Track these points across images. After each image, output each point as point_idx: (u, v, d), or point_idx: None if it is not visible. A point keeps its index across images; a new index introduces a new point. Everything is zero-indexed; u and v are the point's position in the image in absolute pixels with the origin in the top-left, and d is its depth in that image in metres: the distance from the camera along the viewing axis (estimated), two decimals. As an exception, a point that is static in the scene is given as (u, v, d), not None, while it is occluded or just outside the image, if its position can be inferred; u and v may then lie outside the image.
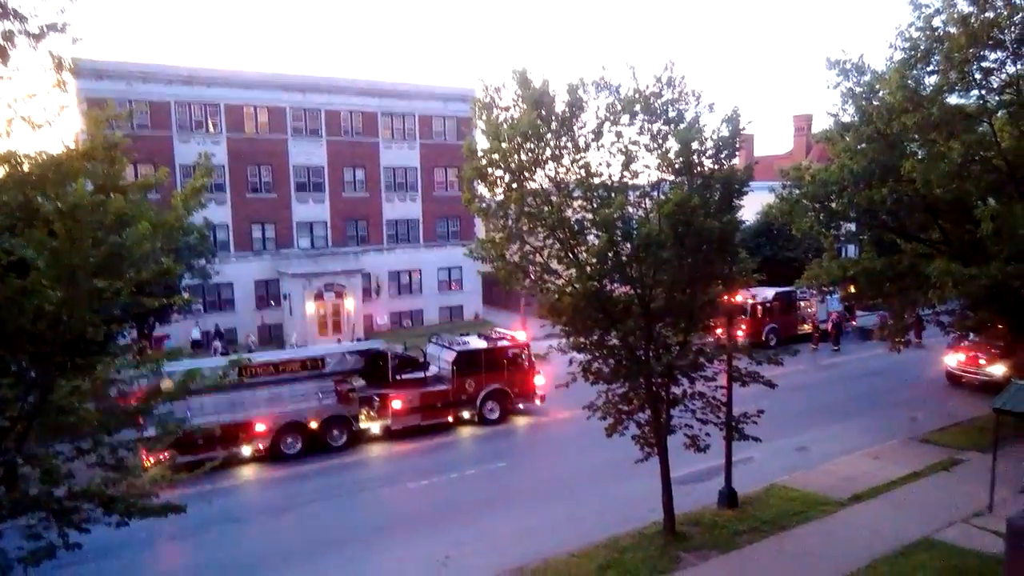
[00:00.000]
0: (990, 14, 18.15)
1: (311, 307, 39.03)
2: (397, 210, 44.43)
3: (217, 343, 34.88)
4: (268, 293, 40.76)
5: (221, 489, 18.86)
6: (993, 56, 18.76)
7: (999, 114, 19.86)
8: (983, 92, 19.31)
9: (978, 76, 18.97)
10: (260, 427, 20.86)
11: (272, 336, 39.79)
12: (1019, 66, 18.69)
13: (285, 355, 24.07)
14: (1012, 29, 18.09)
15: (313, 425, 21.57)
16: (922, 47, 19.35)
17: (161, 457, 14.96)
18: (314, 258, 40.30)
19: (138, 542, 14.90)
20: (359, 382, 23.11)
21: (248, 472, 20.50)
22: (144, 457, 15.02)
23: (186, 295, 18.51)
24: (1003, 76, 19.12)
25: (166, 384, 11.19)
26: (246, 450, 20.76)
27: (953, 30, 18.51)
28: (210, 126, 38.89)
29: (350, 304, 40.09)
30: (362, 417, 22.60)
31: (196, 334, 36.44)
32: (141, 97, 36.30)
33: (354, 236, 43.21)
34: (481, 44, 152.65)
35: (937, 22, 19.07)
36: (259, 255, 40.47)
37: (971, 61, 18.48)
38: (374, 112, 43.03)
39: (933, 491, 17.13)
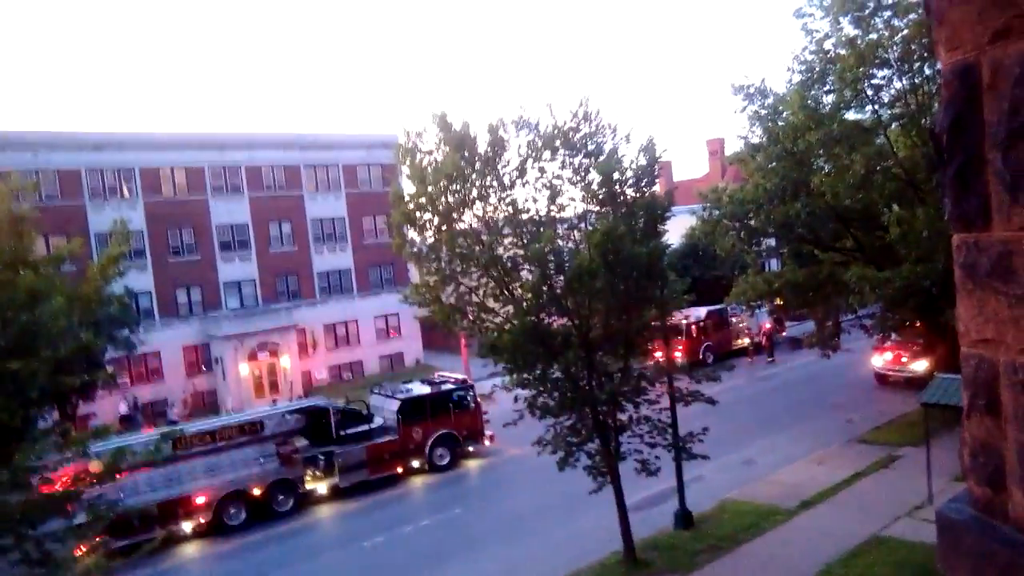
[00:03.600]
0: (874, 35, 19.57)
1: (245, 368, 37.76)
2: (327, 262, 43.79)
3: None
4: (199, 358, 39.26)
5: (163, 571, 17.83)
6: (881, 74, 20.17)
7: (892, 126, 21.25)
8: (876, 107, 20.67)
9: (870, 92, 20.31)
10: (200, 500, 19.89)
11: (206, 403, 38.24)
12: (904, 81, 20.11)
13: (221, 422, 23.13)
14: (894, 48, 19.51)
15: (256, 492, 20.71)
16: (817, 69, 20.63)
17: (94, 544, 14.05)
18: (244, 318, 39.15)
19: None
20: (302, 442, 22.38)
21: (191, 549, 19.46)
22: (76, 546, 14.07)
23: (110, 369, 17.68)
24: (892, 91, 20.55)
25: (94, 466, 10.58)
26: (187, 526, 19.75)
27: (843, 52, 19.83)
28: (125, 191, 37.64)
29: (286, 362, 39.00)
30: (308, 478, 21.85)
31: (124, 409, 34.67)
32: (48, 166, 34.95)
33: (285, 291, 42.27)
34: (399, 90, 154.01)
35: (828, 45, 20.42)
36: (186, 320, 39.06)
37: (862, 79, 19.78)
38: (297, 164, 42.58)
39: (876, 489, 17.70)
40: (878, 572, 13.42)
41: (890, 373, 27.82)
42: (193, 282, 39.41)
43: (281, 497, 21.22)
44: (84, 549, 13.89)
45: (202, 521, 19.99)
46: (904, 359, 27.22)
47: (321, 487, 22.02)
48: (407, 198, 14.39)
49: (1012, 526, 1.53)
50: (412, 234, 15.02)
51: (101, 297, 9.98)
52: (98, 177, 36.83)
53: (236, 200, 40.55)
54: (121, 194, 37.45)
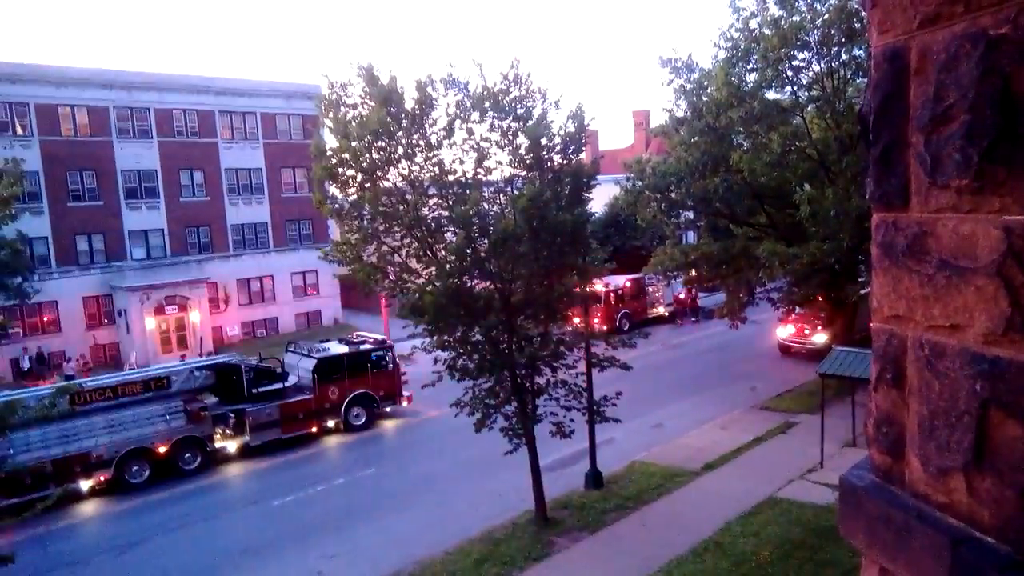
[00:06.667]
0: (797, 18, 20.12)
1: (151, 322, 36.11)
2: (243, 214, 42.09)
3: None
4: (100, 310, 37.24)
5: (58, 530, 17.06)
6: (801, 55, 20.81)
7: (809, 108, 22.05)
8: (795, 88, 21.36)
9: (790, 73, 20.95)
10: (99, 457, 19.06)
11: (108, 357, 36.45)
12: (822, 64, 20.84)
13: (124, 377, 22.13)
14: (815, 31, 20.14)
15: (161, 450, 20.02)
16: (742, 47, 21.09)
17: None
18: (151, 269, 37.28)
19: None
20: (211, 399, 21.70)
21: (89, 508, 18.68)
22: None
23: (0, 318, 16.55)
24: (811, 73, 21.26)
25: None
26: (85, 484, 18.91)
27: (767, 31, 20.32)
28: (18, 128, 34.84)
29: (195, 316, 37.51)
30: (217, 436, 21.27)
31: (25, 364, 32.67)
32: (-72, 97, 31.94)
33: (196, 243, 40.42)
34: (323, 39, 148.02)
35: (753, 24, 20.86)
36: (87, 269, 36.84)
37: (783, 60, 20.37)
38: (211, 110, 40.42)
39: (774, 453, 18.77)
40: (772, 530, 14.30)
41: (793, 344, 29.33)
42: (95, 229, 37.11)
43: (188, 455, 20.59)
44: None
45: (102, 479, 19.21)
46: (806, 332, 28.74)
47: (231, 445, 21.49)
48: (329, 152, 13.94)
49: (908, 492, 1.63)
50: (334, 190, 14.61)
51: (-10, 241, 9.25)
52: (-13, 111, 33.91)
53: (144, 144, 38.23)
54: (13, 131, 34.66)
